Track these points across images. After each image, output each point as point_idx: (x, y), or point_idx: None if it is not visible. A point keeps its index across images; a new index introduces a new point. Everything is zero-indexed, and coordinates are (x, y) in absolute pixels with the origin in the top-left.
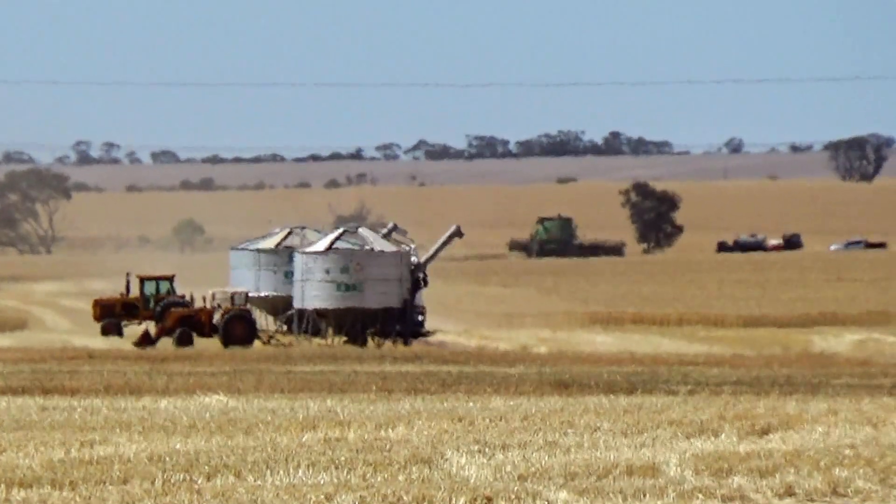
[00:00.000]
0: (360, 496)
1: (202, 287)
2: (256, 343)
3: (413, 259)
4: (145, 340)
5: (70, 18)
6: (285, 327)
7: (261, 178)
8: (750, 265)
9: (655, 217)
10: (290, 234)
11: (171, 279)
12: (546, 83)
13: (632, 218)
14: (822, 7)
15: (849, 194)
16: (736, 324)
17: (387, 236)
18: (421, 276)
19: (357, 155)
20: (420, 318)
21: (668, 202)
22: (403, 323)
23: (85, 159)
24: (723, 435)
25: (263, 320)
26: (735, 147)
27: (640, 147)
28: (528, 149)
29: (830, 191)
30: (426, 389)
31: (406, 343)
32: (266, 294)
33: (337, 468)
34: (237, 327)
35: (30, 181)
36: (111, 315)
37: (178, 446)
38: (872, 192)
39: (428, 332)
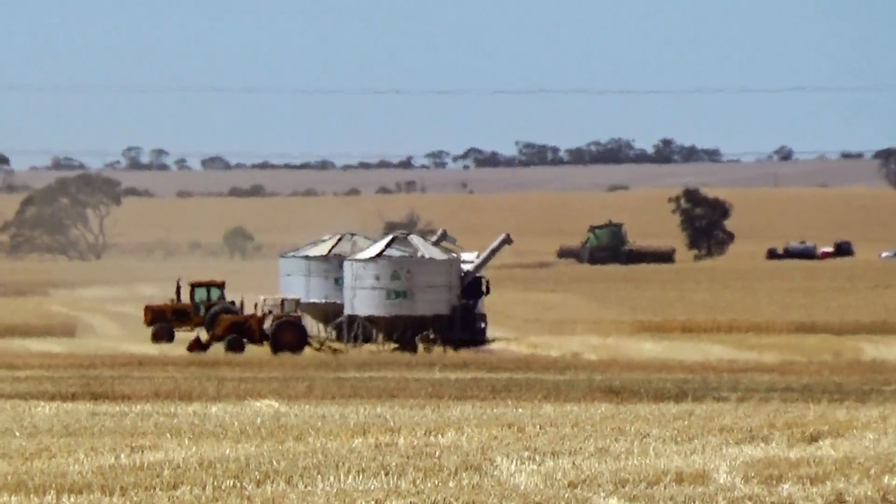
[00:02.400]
0: (410, 502)
1: (252, 294)
2: (307, 349)
3: (465, 267)
4: (197, 346)
5: (121, 25)
6: (336, 334)
7: (311, 185)
8: (800, 272)
9: (706, 224)
10: (340, 241)
11: (221, 286)
12: (596, 90)
13: (682, 225)
14: (871, 15)
15: None
16: (786, 331)
17: (436, 244)
18: (483, 283)
19: (407, 162)
20: (482, 325)
21: (719, 209)
22: (465, 330)
23: (135, 165)
24: (773, 442)
25: (314, 327)
26: (785, 155)
27: (690, 155)
28: (579, 156)
29: (881, 198)
30: (476, 396)
31: (456, 350)
32: (316, 301)
33: (387, 474)
34: (287, 334)
35: (80, 186)
36: (162, 321)
37: (228, 452)
38: None
39: (490, 339)
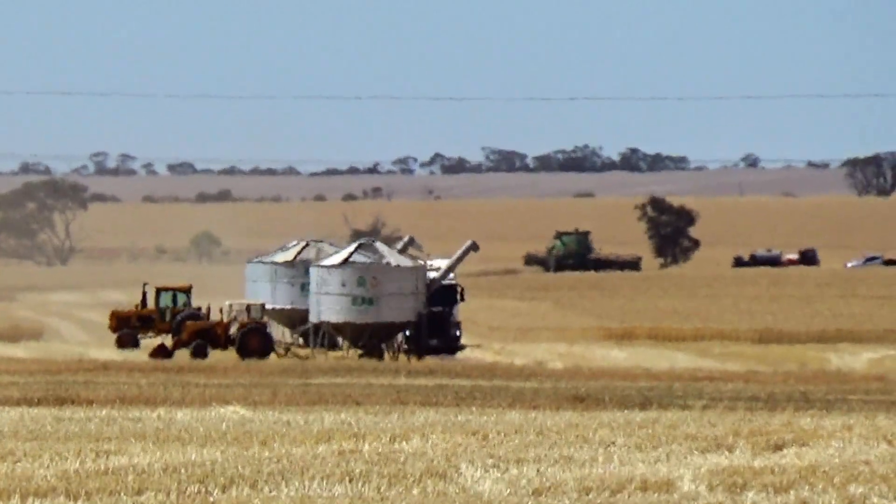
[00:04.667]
0: None
1: (218, 299)
2: (272, 356)
3: (431, 275)
4: (161, 353)
5: (87, 30)
6: (301, 340)
7: (277, 190)
8: (766, 280)
9: (672, 232)
10: (306, 247)
11: (187, 291)
12: (563, 98)
13: (648, 233)
14: (839, 24)
15: (865, 210)
16: (751, 339)
17: (403, 250)
18: (458, 290)
19: (373, 169)
20: (457, 332)
21: (684, 217)
22: (440, 338)
23: (102, 170)
24: (737, 450)
25: (280, 333)
26: (751, 163)
27: (656, 163)
28: (546, 164)
29: (847, 207)
30: (441, 403)
31: (420, 357)
32: (282, 307)
33: (351, 480)
34: (253, 340)
35: (47, 191)
36: (127, 326)
37: (193, 457)
38: (889, 209)
39: (464, 346)
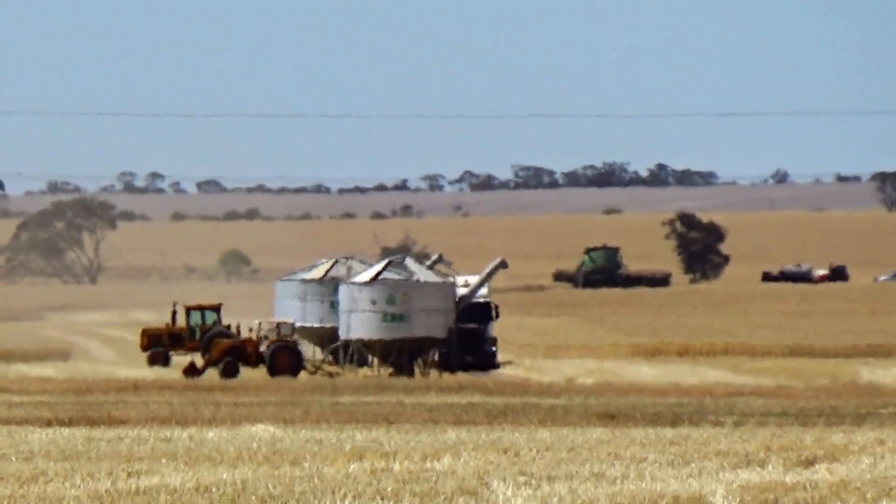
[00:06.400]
0: None
1: (248, 317)
2: (303, 373)
3: (460, 292)
4: (192, 371)
5: (115, 50)
6: (332, 358)
7: (306, 208)
8: (796, 296)
9: (701, 248)
10: (335, 264)
11: (217, 309)
12: (592, 114)
13: (677, 249)
14: (866, 39)
15: (895, 225)
16: (782, 355)
17: (432, 267)
18: (493, 307)
19: (402, 186)
20: (493, 349)
21: (714, 233)
22: (475, 354)
23: (130, 189)
24: (769, 466)
25: (310, 351)
26: (781, 178)
27: (685, 178)
28: (574, 180)
29: (877, 222)
30: (472, 420)
31: (453, 372)
32: (312, 324)
33: (383, 499)
34: (283, 358)
35: (76, 210)
36: (158, 345)
37: (224, 476)
38: None
39: (500, 363)
